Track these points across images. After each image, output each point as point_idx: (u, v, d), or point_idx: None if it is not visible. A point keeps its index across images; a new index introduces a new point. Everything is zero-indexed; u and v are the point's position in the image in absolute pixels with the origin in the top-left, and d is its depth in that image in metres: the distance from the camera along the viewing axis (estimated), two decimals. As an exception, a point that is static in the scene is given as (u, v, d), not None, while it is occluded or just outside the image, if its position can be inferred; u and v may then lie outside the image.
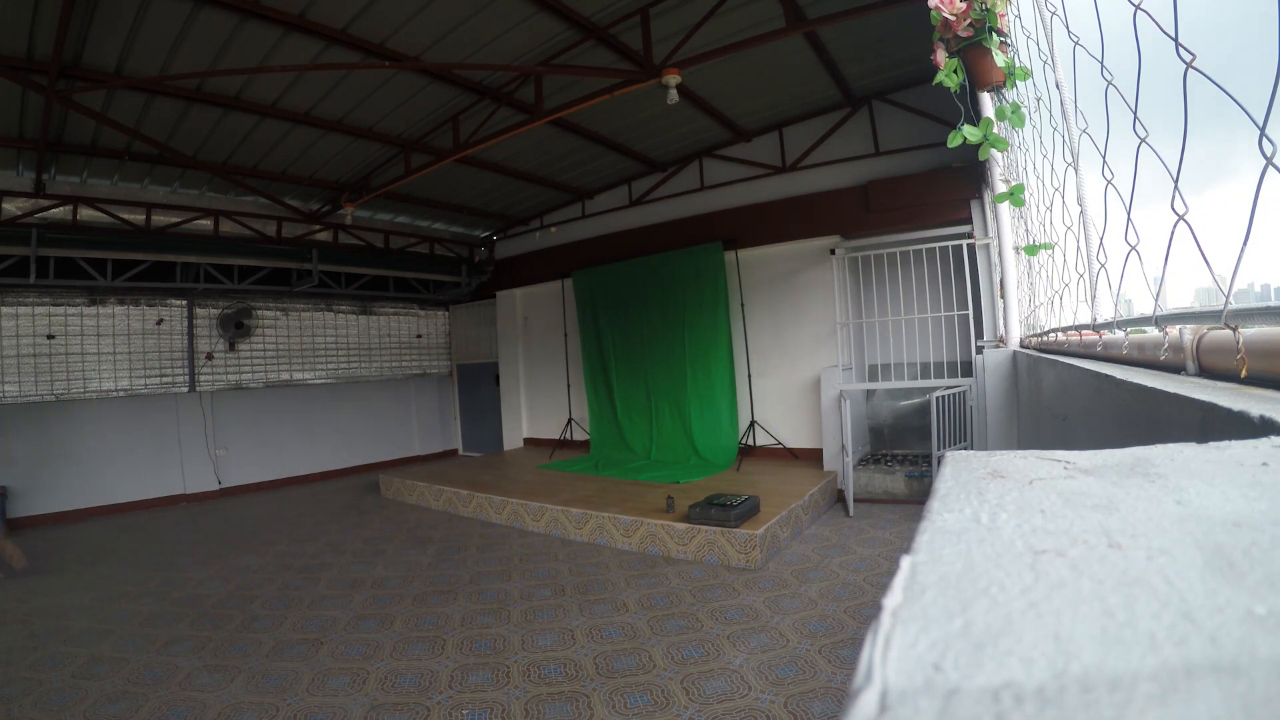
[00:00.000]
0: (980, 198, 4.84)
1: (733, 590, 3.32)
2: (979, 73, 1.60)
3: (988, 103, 2.64)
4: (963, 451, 0.54)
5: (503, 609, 3.25)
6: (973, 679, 0.20)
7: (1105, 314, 1.80)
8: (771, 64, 4.80)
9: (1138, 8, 1.02)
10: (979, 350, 4.63)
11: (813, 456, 5.67)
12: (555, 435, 7.68)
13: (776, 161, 6.07)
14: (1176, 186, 0.99)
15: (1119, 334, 1.63)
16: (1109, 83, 1.25)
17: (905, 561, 0.30)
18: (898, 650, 0.22)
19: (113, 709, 2.40)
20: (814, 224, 5.69)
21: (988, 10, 1.52)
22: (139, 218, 5.79)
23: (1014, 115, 1.67)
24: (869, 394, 6.12)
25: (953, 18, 1.53)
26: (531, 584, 3.61)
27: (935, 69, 1.65)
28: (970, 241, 4.84)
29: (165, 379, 6.55)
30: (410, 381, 8.93)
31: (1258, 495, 0.37)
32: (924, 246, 5.01)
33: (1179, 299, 1.31)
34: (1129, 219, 1.27)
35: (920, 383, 5.10)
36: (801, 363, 5.90)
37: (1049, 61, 1.98)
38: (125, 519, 5.92)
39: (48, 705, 2.45)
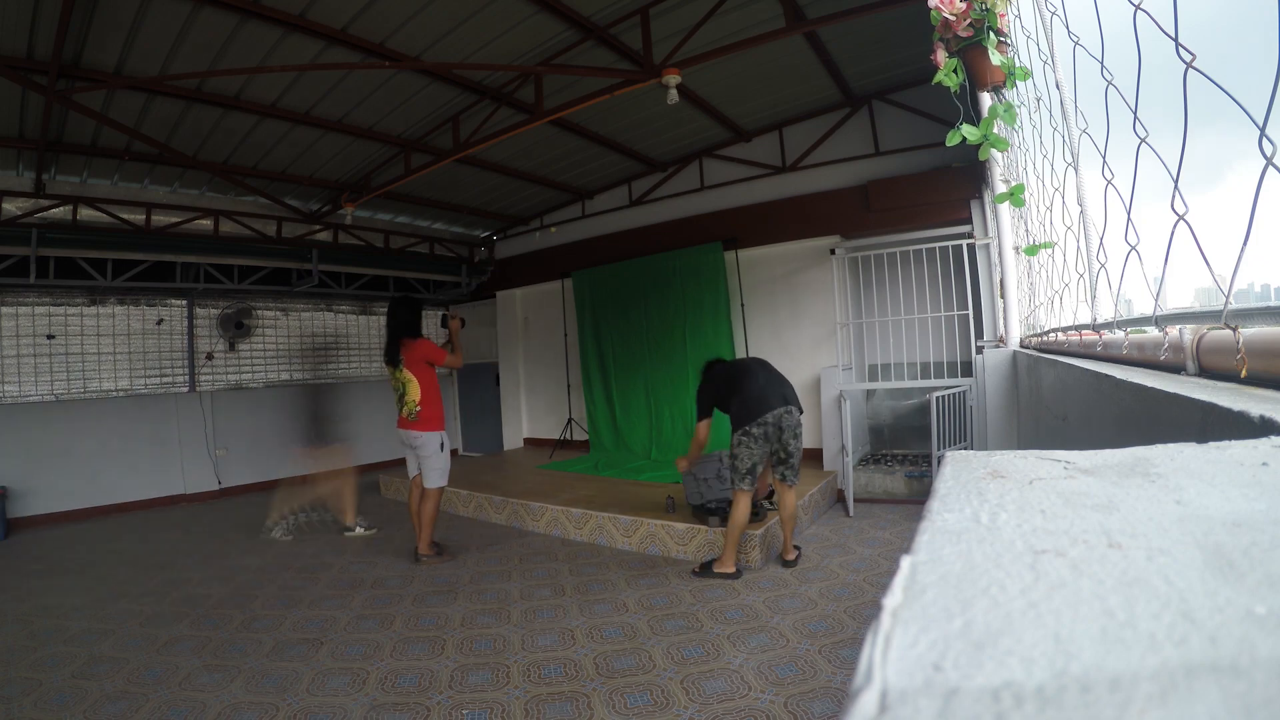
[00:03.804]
0: (980, 198, 4.84)
1: (733, 590, 3.32)
2: (979, 73, 1.60)
3: (988, 103, 2.64)
4: (963, 451, 0.54)
5: (503, 609, 3.25)
6: (973, 679, 0.20)
7: (1105, 314, 1.80)
8: (771, 64, 4.80)
9: (1138, 8, 1.02)
10: (979, 350, 4.63)
11: (813, 456, 5.66)
12: (555, 435, 7.68)
13: (776, 161, 6.07)
14: (1176, 186, 0.99)
15: (1119, 334, 1.63)
16: (1109, 83, 1.25)
17: (905, 561, 0.30)
18: (898, 650, 0.22)
19: (113, 709, 2.40)
20: (814, 224, 5.69)
21: (988, 10, 1.52)
22: (139, 218, 5.79)
23: (1006, 114, 1.67)
24: (869, 394, 6.11)
25: (953, 18, 1.53)
26: (531, 584, 3.61)
27: (935, 69, 1.65)
28: (970, 241, 4.84)
29: (165, 379, 6.54)
30: (410, 381, 8.92)
31: (1258, 495, 0.37)
32: (924, 246, 5.01)
33: (1179, 299, 1.31)
34: (1129, 219, 1.27)
35: (920, 383, 5.10)
36: (801, 363, 5.90)
37: (1049, 61, 1.98)
38: (125, 519, 5.92)
39: (48, 705, 2.44)
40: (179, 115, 4.49)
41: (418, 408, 4.01)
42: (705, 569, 3.52)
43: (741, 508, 3.40)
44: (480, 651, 2.77)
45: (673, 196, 6.78)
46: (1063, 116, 1.89)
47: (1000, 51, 1.55)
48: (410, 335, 4.05)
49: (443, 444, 4.08)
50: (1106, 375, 1.35)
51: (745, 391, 3.43)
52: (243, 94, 4.34)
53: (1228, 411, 0.70)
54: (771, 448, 3.42)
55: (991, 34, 1.54)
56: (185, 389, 6.67)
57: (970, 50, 1.58)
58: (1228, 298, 0.92)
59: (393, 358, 4.04)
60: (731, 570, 3.46)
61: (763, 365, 3.68)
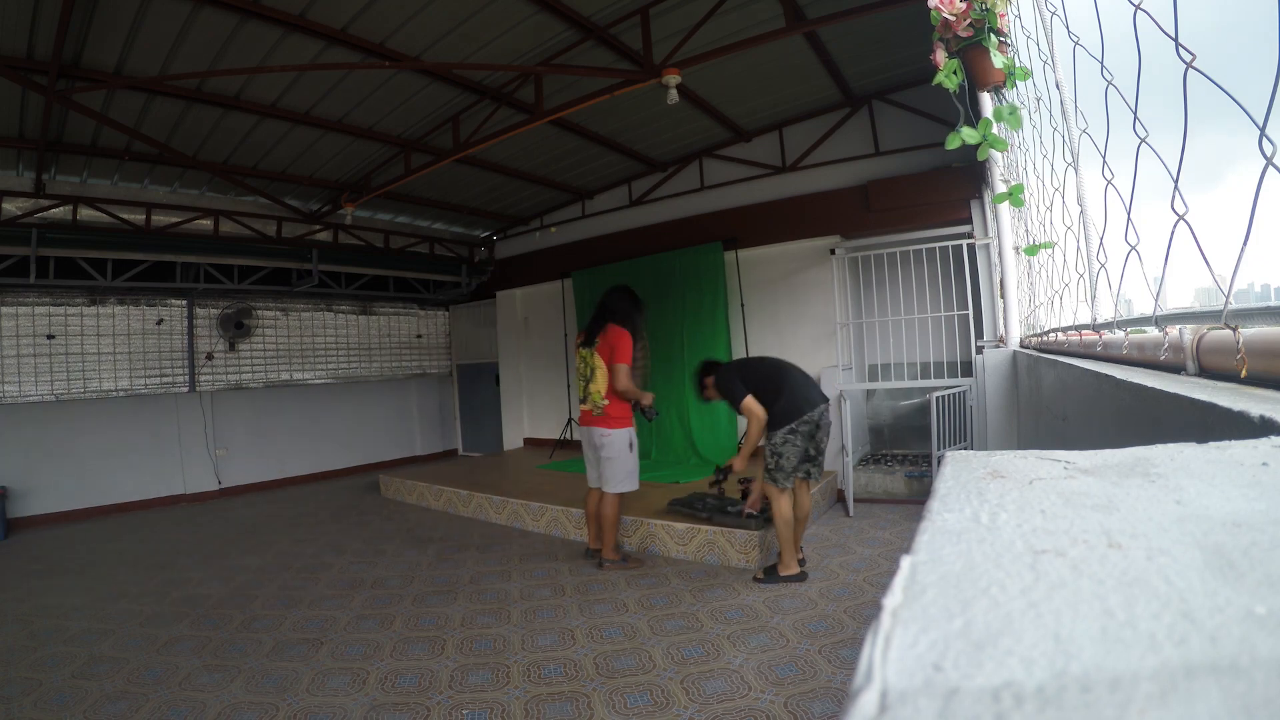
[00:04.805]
0: (980, 198, 4.84)
1: (733, 590, 3.32)
2: (979, 73, 1.60)
3: (988, 103, 2.64)
4: (963, 451, 0.54)
5: (503, 609, 3.25)
6: (973, 679, 0.20)
7: (1105, 314, 1.80)
8: (771, 64, 4.79)
9: (1138, 8, 1.02)
10: (979, 350, 4.63)
11: (813, 456, 5.66)
12: (555, 435, 7.68)
13: (776, 161, 6.07)
14: (1176, 186, 0.99)
15: (1119, 334, 1.63)
16: (1109, 83, 1.25)
17: (905, 561, 0.30)
18: (898, 650, 0.22)
19: (113, 709, 2.40)
20: (814, 224, 5.69)
21: (988, 10, 1.52)
22: (139, 218, 5.79)
23: (1011, 117, 1.66)
24: (869, 394, 6.11)
25: (953, 18, 1.53)
26: (531, 584, 3.61)
27: (935, 69, 1.65)
28: (970, 241, 4.84)
29: (165, 379, 6.54)
30: (410, 381, 8.93)
31: (1258, 495, 0.37)
32: (924, 246, 5.01)
33: (1179, 299, 1.31)
34: (1129, 219, 1.27)
35: (920, 383, 5.10)
36: (802, 362, 5.79)
37: (1049, 61, 1.98)
38: (125, 519, 5.92)
39: (48, 705, 2.44)
40: (179, 115, 4.49)
41: (603, 400, 3.59)
42: (770, 574, 3.41)
43: (785, 505, 3.34)
44: (480, 651, 2.77)
45: (673, 196, 6.78)
46: (1063, 116, 1.89)
47: (1000, 52, 1.55)
48: (618, 322, 3.64)
49: (631, 443, 3.67)
50: (1106, 375, 1.35)
51: (790, 389, 3.35)
52: (243, 94, 4.34)
53: (1228, 411, 0.70)
54: (806, 444, 3.38)
55: (991, 34, 1.54)
56: (185, 389, 6.67)
57: (970, 50, 1.58)
58: (1228, 298, 0.92)
59: (590, 337, 3.66)
60: (795, 571, 3.37)
61: (790, 364, 3.62)
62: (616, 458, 3.63)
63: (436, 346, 9.23)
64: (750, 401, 3.34)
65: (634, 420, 3.75)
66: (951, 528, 0.35)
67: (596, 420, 3.64)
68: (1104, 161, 1.38)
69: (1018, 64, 1.71)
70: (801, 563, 3.58)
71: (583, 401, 3.71)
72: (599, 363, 3.59)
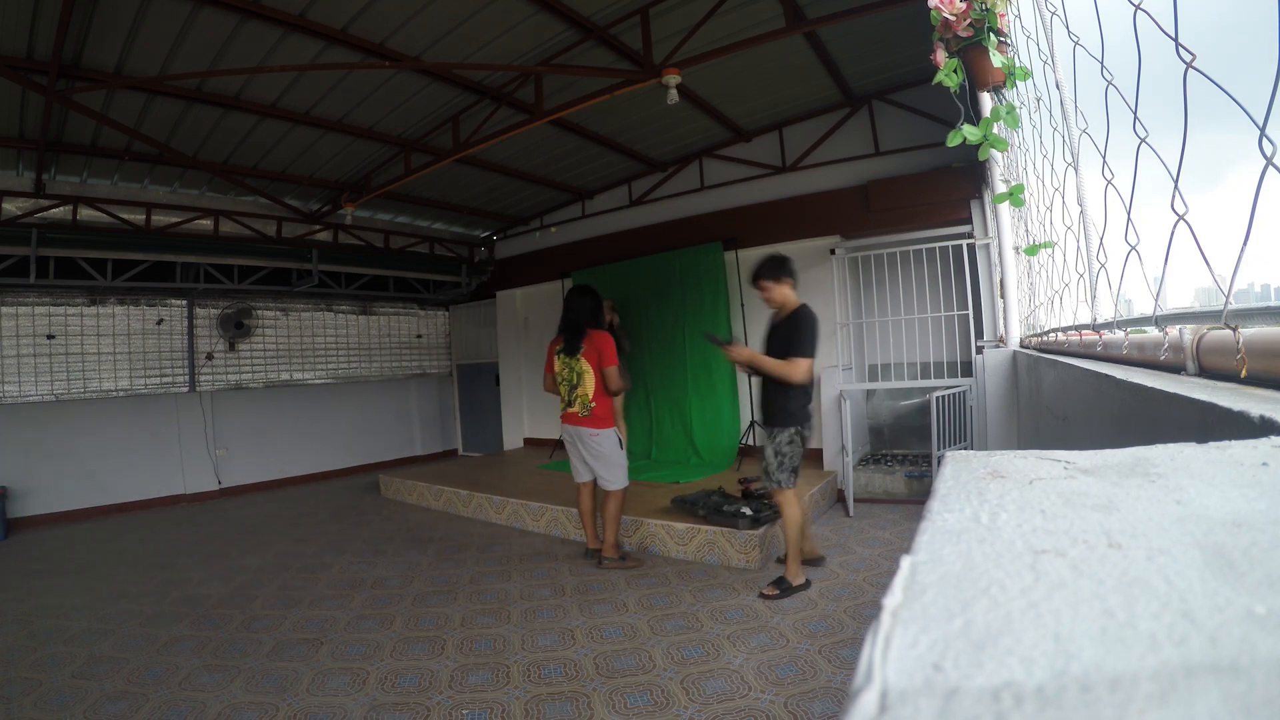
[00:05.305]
0: (980, 198, 4.84)
1: (733, 590, 3.32)
2: (979, 73, 1.60)
3: (988, 103, 2.64)
4: (963, 451, 0.54)
5: (503, 609, 3.25)
6: (973, 679, 0.20)
7: (1105, 314, 1.80)
8: (771, 64, 4.79)
9: (1138, 8, 1.02)
10: (979, 350, 4.63)
11: (813, 456, 5.65)
12: (555, 435, 7.67)
13: (776, 161, 6.07)
14: (1176, 186, 0.99)
15: (1119, 334, 1.63)
16: (1109, 83, 1.25)
17: (905, 561, 0.30)
18: (898, 650, 0.22)
19: (113, 709, 2.40)
20: (814, 224, 5.68)
21: (988, 10, 1.52)
22: (139, 218, 5.79)
23: (1008, 116, 1.67)
24: (869, 394, 6.11)
25: (953, 18, 1.53)
26: (531, 584, 3.61)
27: (935, 69, 1.65)
28: (970, 241, 4.84)
29: (165, 379, 6.54)
30: (410, 381, 8.93)
31: (1258, 495, 0.37)
32: (924, 246, 5.00)
33: (1179, 299, 1.31)
34: (1129, 219, 1.27)
35: (920, 383, 5.10)
36: (801, 363, 5.89)
37: (1049, 61, 1.98)
38: (125, 519, 5.92)
39: (48, 705, 2.44)
40: (179, 115, 4.49)
41: (592, 403, 3.66)
42: (782, 587, 3.18)
43: (795, 508, 3.28)
44: (480, 651, 2.77)
45: (673, 196, 6.78)
46: (1063, 116, 1.89)
47: (1000, 52, 1.55)
48: (595, 325, 3.77)
49: (621, 441, 3.78)
50: (1106, 375, 1.35)
51: (809, 392, 3.27)
52: (243, 94, 4.33)
53: (1228, 411, 0.70)
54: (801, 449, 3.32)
55: (991, 34, 1.54)
56: (185, 389, 6.67)
57: (970, 50, 1.58)
58: (1228, 298, 0.92)
59: (574, 346, 3.73)
60: (802, 580, 3.25)
61: None
62: (610, 454, 3.73)
63: (436, 346, 9.23)
64: (809, 363, 3.16)
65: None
66: (951, 528, 0.35)
67: (584, 421, 3.72)
68: (1104, 161, 1.38)
69: (1018, 64, 1.71)
70: (812, 561, 3.56)
71: (569, 405, 3.79)
72: (586, 367, 3.70)
